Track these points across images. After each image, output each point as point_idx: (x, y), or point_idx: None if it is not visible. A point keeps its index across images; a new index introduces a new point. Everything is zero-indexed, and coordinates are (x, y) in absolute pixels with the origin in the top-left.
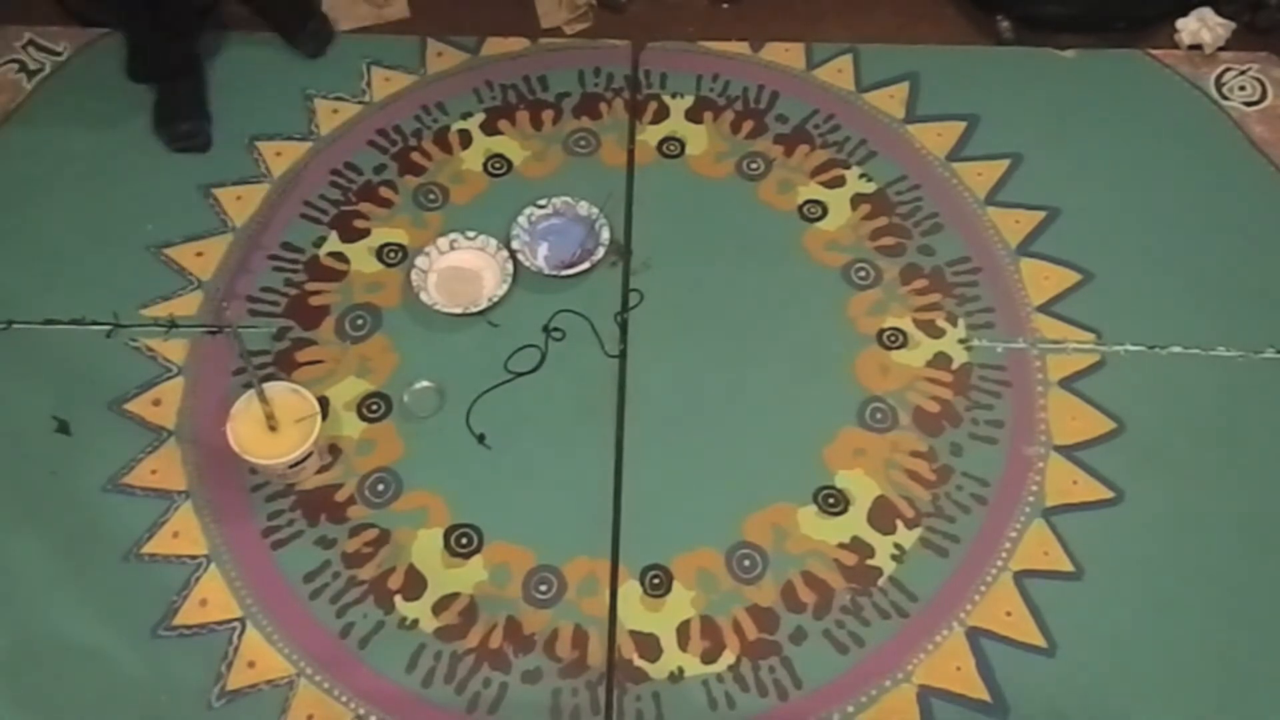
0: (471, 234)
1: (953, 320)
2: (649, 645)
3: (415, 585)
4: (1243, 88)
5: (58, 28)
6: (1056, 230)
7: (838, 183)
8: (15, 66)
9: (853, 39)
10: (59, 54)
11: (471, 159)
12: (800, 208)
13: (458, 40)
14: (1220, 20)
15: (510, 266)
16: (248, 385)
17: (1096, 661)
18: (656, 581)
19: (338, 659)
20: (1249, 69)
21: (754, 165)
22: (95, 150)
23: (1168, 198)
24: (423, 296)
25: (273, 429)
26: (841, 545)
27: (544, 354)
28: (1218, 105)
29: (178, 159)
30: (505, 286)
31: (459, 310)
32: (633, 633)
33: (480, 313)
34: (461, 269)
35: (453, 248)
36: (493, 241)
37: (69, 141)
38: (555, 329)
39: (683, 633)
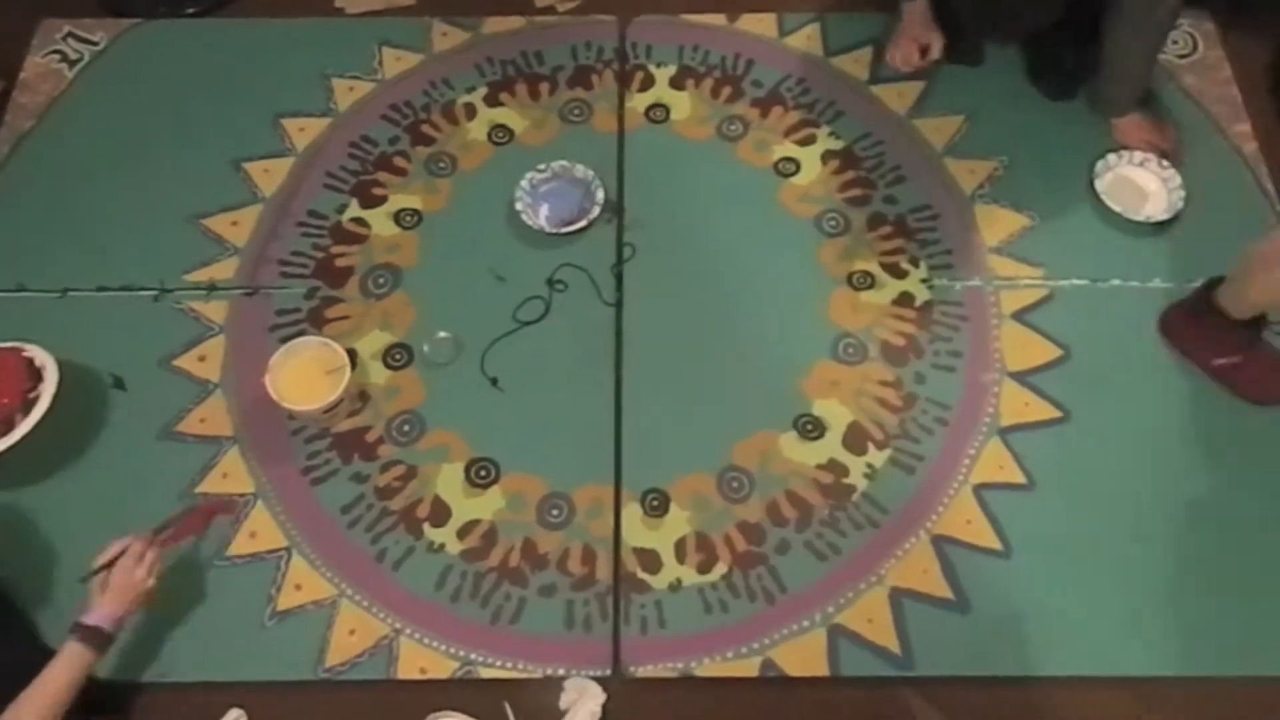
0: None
1: (915, 262)
2: (650, 560)
3: (440, 514)
4: (1175, 41)
5: (94, 19)
6: (1008, 178)
7: (809, 141)
8: (57, 57)
9: (820, 8)
10: (96, 44)
11: (476, 129)
12: (775, 164)
13: (460, 20)
14: None
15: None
16: (283, 340)
17: (1046, 562)
18: (655, 503)
19: (374, 580)
20: (1181, 24)
21: (733, 127)
22: (134, 132)
23: (1107, 144)
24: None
25: None
26: (819, 466)
27: (548, 304)
28: None
29: (211, 138)
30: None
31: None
32: (635, 549)
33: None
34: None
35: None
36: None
37: (110, 125)
38: (558, 281)
39: (680, 548)
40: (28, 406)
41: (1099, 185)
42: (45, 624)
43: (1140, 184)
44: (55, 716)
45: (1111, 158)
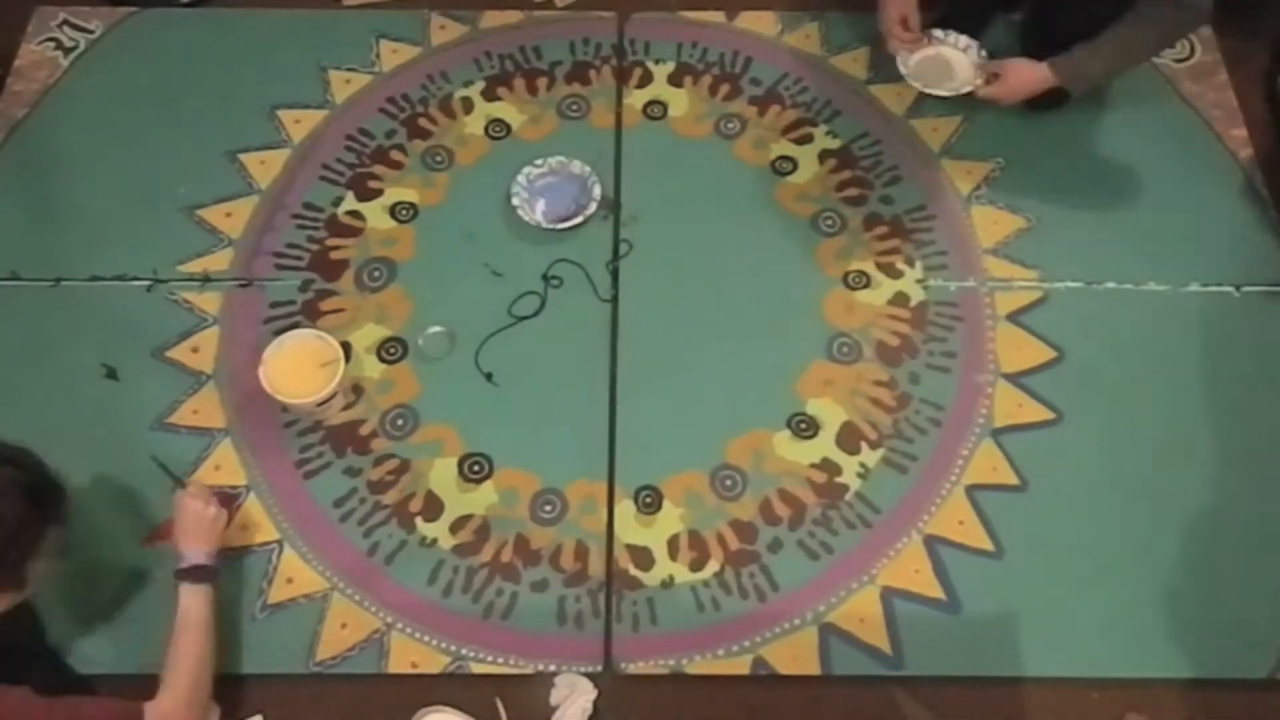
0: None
1: (911, 262)
2: (643, 557)
3: (433, 508)
4: (1173, 46)
5: (89, 8)
6: (1004, 179)
7: (806, 140)
8: (52, 44)
9: (819, 6)
10: (92, 32)
11: (474, 123)
12: (773, 163)
13: (458, 14)
14: None
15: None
16: (277, 332)
17: (1038, 563)
18: (648, 500)
19: (366, 574)
20: None
21: (730, 125)
22: (129, 120)
23: (1104, 147)
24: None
25: None
26: (813, 465)
27: (544, 299)
28: (1150, 62)
29: (206, 128)
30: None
31: None
32: (628, 546)
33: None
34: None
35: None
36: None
37: (105, 114)
38: (554, 277)
39: (673, 545)
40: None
41: (905, 68)
42: (42, 611)
43: (947, 59)
44: (210, 647)
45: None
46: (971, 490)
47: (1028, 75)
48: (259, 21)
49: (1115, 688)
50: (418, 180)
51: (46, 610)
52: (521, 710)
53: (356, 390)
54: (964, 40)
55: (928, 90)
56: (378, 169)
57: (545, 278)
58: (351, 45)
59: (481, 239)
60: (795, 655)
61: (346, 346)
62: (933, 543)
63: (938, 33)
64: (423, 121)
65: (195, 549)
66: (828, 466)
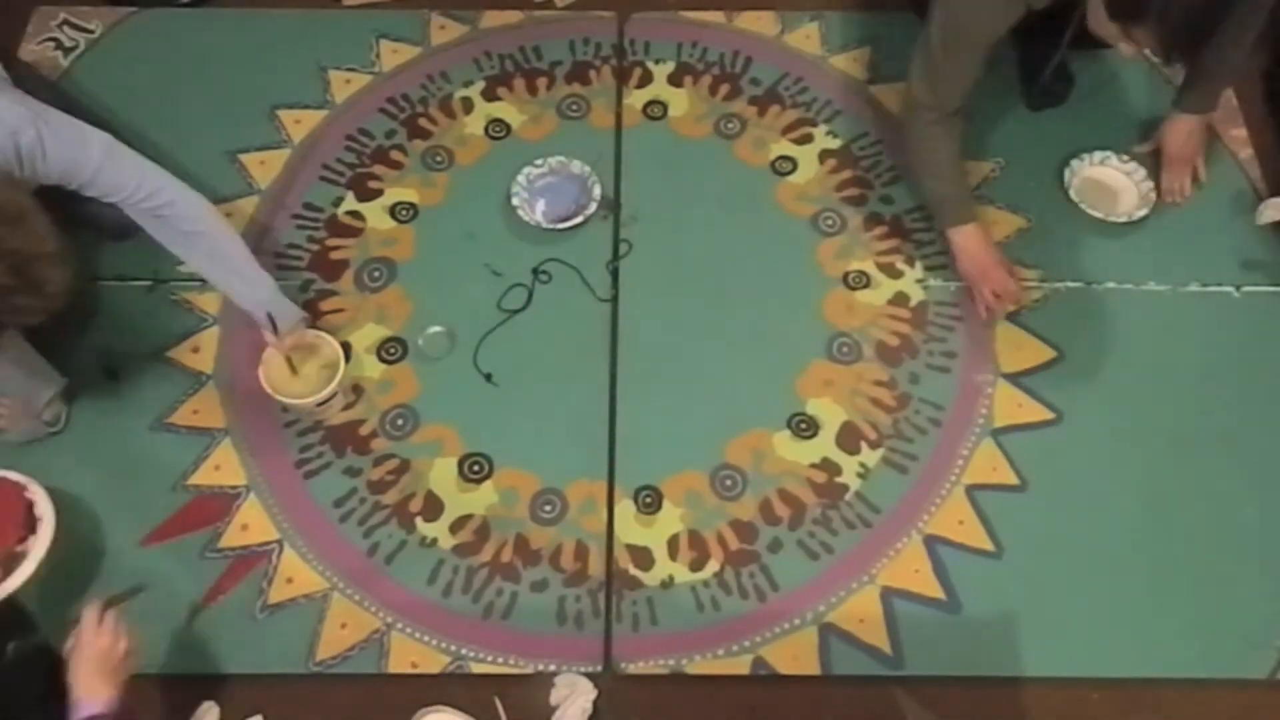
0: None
1: (910, 262)
2: (643, 557)
3: (433, 508)
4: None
5: (89, 8)
6: (1004, 179)
7: (806, 140)
8: (52, 44)
9: (820, 6)
10: (92, 32)
11: (474, 123)
12: (773, 163)
13: (458, 14)
14: None
15: None
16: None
17: (1038, 562)
18: (648, 500)
19: (366, 574)
20: None
21: (730, 125)
22: (129, 122)
23: (1104, 147)
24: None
25: (293, 372)
26: (813, 465)
27: (531, 292)
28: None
29: (206, 129)
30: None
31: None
32: (628, 546)
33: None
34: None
35: None
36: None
37: (104, 114)
38: (543, 272)
39: (672, 545)
40: (11, 562)
41: (1071, 193)
42: (42, 611)
43: (1108, 184)
44: None
45: (1074, 163)
46: (971, 490)
47: (1186, 132)
48: (259, 21)
49: (1116, 688)
50: (418, 180)
51: (46, 610)
52: (521, 710)
53: (356, 390)
54: (1097, 155)
55: (1109, 218)
56: (378, 169)
57: (535, 271)
58: (351, 45)
59: (481, 239)
60: (795, 655)
61: (346, 346)
62: (933, 543)
63: (1073, 163)
64: (423, 121)
65: (98, 694)
66: (828, 466)
